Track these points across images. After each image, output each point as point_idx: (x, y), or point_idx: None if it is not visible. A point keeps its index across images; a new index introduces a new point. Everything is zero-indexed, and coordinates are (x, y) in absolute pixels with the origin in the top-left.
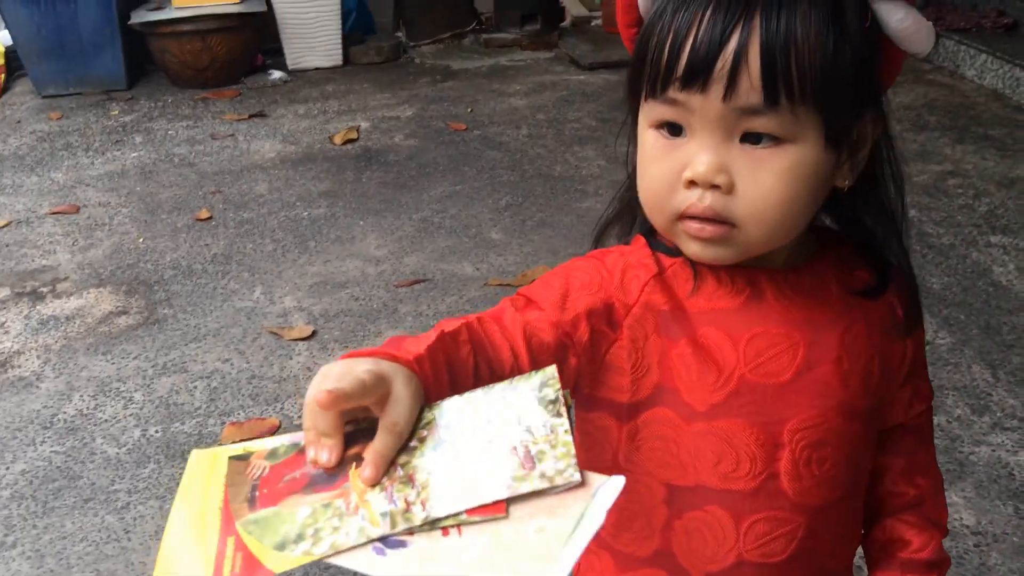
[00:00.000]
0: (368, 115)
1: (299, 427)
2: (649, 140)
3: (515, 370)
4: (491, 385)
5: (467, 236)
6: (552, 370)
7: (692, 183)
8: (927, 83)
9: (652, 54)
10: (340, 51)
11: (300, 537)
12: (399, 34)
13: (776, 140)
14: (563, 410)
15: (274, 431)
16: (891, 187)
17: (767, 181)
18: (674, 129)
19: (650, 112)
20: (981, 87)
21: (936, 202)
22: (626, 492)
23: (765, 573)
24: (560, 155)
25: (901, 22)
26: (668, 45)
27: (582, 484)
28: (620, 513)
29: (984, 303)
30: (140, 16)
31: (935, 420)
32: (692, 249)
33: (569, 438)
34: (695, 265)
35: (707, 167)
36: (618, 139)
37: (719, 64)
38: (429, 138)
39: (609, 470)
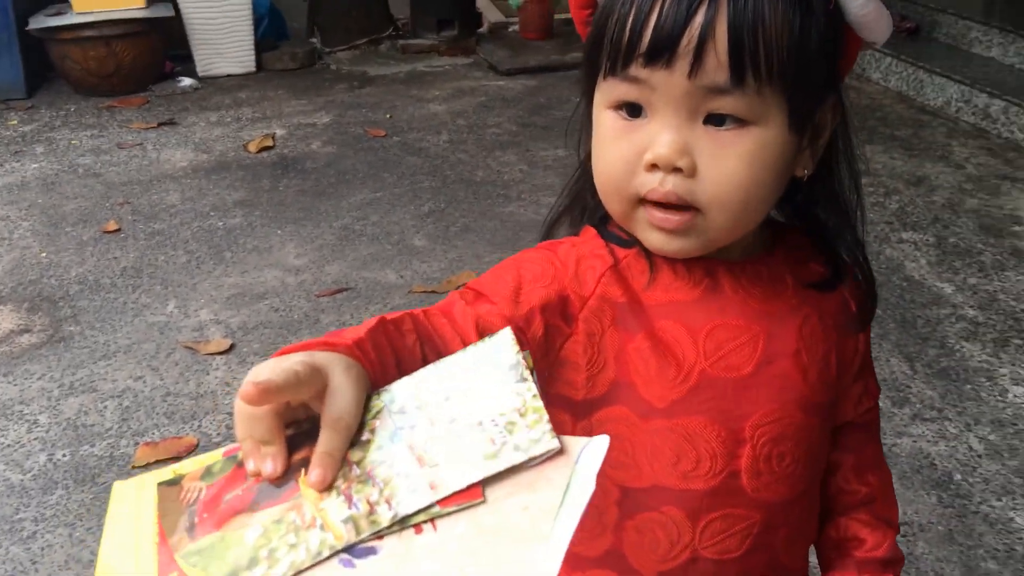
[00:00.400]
0: (284, 122)
1: (218, 444)
2: (607, 121)
3: None
4: (440, 360)
5: (389, 243)
6: (507, 333)
7: (654, 166)
8: None
9: (612, 32)
10: (253, 57)
11: (253, 561)
12: (314, 40)
13: (740, 122)
14: (527, 373)
15: (192, 450)
16: (846, 178)
17: (731, 164)
18: (633, 110)
19: (609, 92)
20: (887, 89)
21: None
22: None
23: (720, 570)
24: (481, 160)
25: (862, 8)
26: (631, 20)
27: (561, 451)
28: None
29: (899, 298)
30: (39, 22)
31: None
32: (653, 239)
33: (540, 403)
34: (650, 256)
35: (669, 148)
36: (568, 129)
37: (684, 40)
38: (348, 145)
39: None
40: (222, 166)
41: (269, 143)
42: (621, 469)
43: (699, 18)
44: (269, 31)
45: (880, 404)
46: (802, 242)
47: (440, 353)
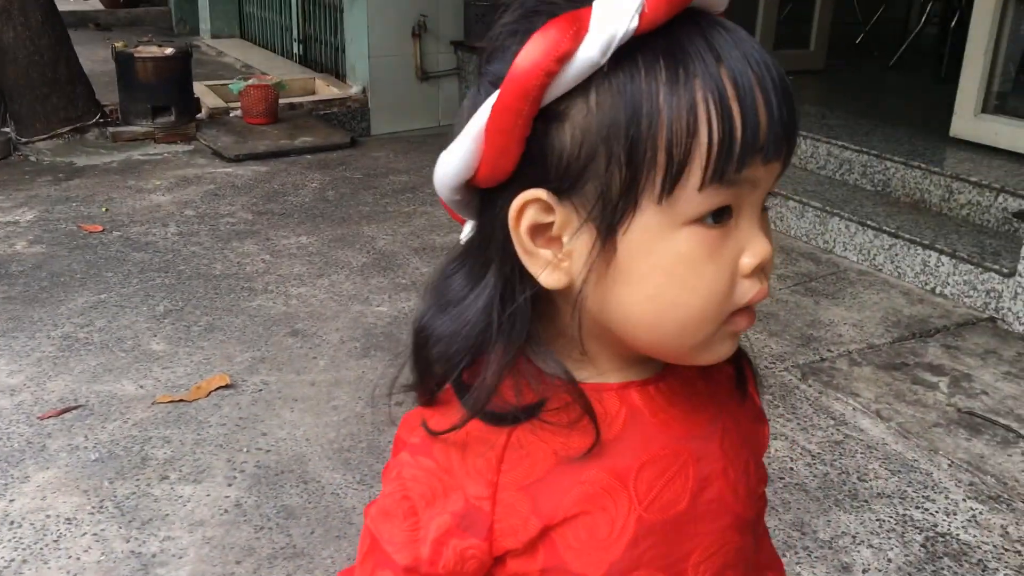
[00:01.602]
0: None
1: None
2: (689, 239)
3: None
4: None
5: (122, 350)
6: None
7: (755, 269)
8: None
9: (702, 135)
10: None
11: None
12: (7, 129)
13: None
14: None
15: None
16: None
17: (770, 244)
18: (719, 214)
19: (700, 203)
20: None
21: None
22: None
23: None
24: (219, 252)
25: None
26: (739, 115)
27: None
28: None
29: None
30: None
31: None
32: (725, 350)
33: None
34: (582, 397)
35: (770, 245)
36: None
37: (789, 125)
38: (59, 243)
39: None
40: None
41: None
42: None
43: (781, 98)
44: None
45: None
46: None
47: None
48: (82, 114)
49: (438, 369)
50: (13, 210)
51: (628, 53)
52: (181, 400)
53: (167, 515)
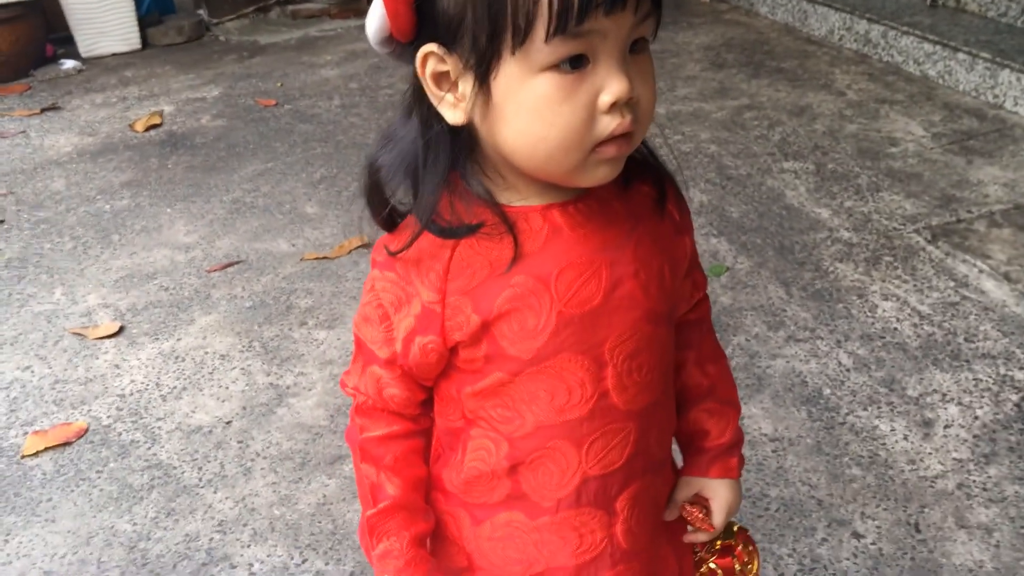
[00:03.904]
0: (172, 98)
1: (108, 427)
2: (546, 83)
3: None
4: None
5: (281, 213)
6: None
7: (613, 105)
8: (725, 23)
9: None
10: (137, 34)
11: None
12: (200, 12)
13: (645, 42)
14: None
15: (82, 434)
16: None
17: (650, 83)
18: (576, 61)
19: (549, 53)
20: (774, 22)
21: (734, 136)
22: (473, 451)
23: (607, 481)
24: (375, 123)
25: None
26: None
27: None
28: (468, 472)
29: (778, 226)
30: None
31: (736, 339)
32: (601, 174)
33: None
34: (507, 221)
35: (627, 83)
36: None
37: None
38: (238, 117)
39: (458, 432)
40: (108, 148)
41: (156, 121)
42: (506, 423)
43: None
44: (153, 5)
45: (756, 329)
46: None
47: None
48: None
49: (385, 192)
50: (202, 87)
51: None
52: (325, 257)
53: (302, 355)
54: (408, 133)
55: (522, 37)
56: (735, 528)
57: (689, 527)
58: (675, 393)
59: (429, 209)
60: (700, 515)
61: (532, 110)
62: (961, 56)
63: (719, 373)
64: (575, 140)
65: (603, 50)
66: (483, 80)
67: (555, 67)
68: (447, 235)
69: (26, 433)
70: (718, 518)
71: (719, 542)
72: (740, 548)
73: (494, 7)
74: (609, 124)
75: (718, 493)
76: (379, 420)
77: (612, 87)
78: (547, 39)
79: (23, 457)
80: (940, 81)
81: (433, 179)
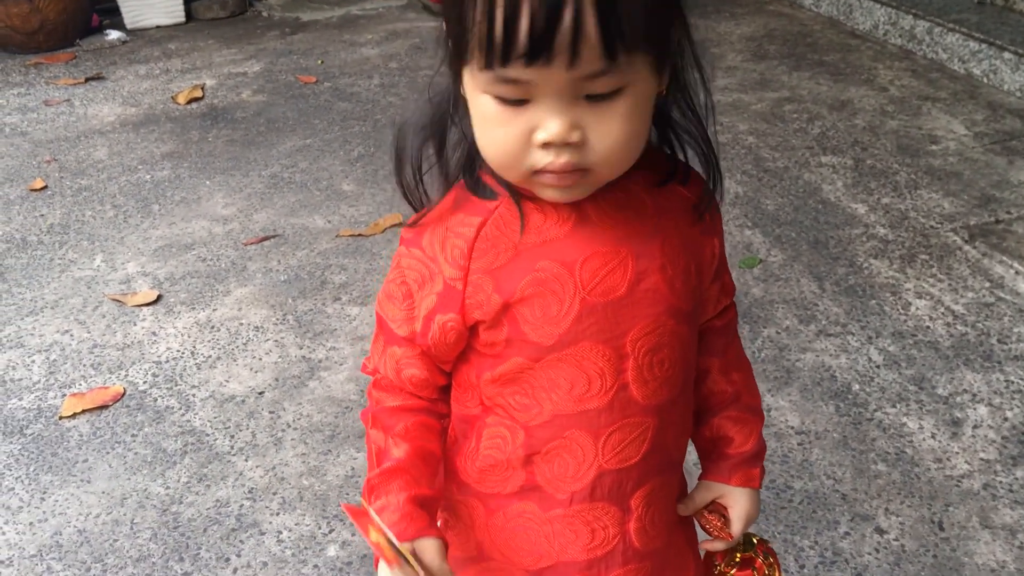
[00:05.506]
0: (214, 72)
1: (144, 392)
2: (487, 105)
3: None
4: None
5: (318, 189)
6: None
7: (547, 144)
8: (768, 14)
9: (479, 25)
10: (182, 7)
11: None
12: None
13: (617, 91)
14: None
15: (119, 398)
16: (693, 76)
17: (614, 126)
18: (515, 101)
19: (485, 84)
20: (818, 15)
21: (772, 128)
22: (488, 439)
23: (623, 476)
24: (412, 102)
25: None
26: (500, 19)
27: None
28: (483, 461)
29: (813, 220)
30: None
31: (766, 331)
32: (549, 195)
33: None
34: (519, 202)
35: (561, 128)
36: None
37: (559, 37)
38: (278, 92)
39: (474, 419)
40: (150, 119)
41: (198, 94)
42: (524, 411)
43: (568, 13)
44: None
45: (787, 322)
46: (657, 158)
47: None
48: None
49: (412, 154)
50: (244, 62)
51: None
52: (360, 235)
53: (335, 330)
54: (436, 95)
55: (467, 58)
56: (755, 540)
57: (706, 535)
58: (699, 400)
59: (460, 159)
60: (719, 523)
61: (478, 122)
62: (1007, 55)
63: (744, 381)
64: (509, 162)
65: (539, 94)
66: (455, 77)
67: (496, 97)
68: (481, 193)
69: (64, 395)
70: (736, 527)
71: (739, 554)
72: (760, 560)
73: (457, 14)
74: (541, 159)
75: (738, 502)
76: (396, 394)
77: (547, 128)
78: (481, 70)
79: (61, 418)
80: (984, 80)
81: (459, 135)
